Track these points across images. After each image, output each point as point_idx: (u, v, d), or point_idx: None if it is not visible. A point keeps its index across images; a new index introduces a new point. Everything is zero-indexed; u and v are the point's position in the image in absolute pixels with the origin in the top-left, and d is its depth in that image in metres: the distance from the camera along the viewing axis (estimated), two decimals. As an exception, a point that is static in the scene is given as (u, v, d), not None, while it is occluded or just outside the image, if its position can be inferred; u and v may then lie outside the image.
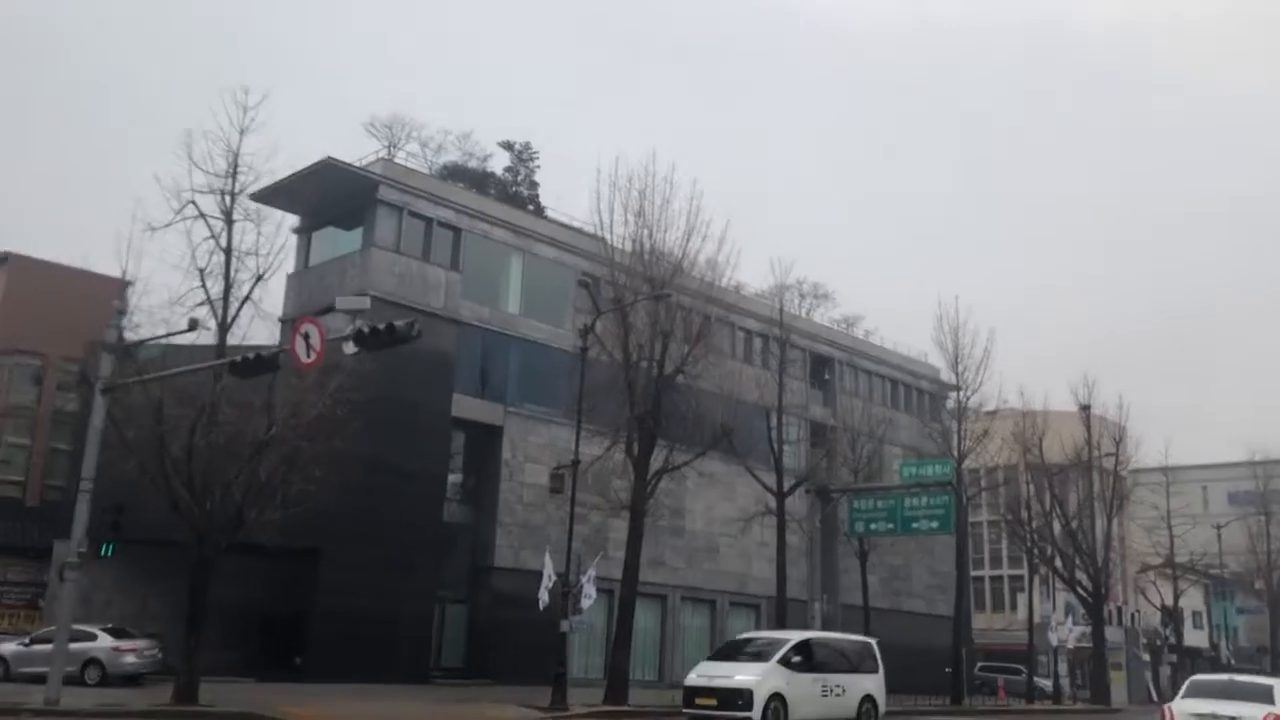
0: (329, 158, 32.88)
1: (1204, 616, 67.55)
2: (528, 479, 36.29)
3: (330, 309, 21.64)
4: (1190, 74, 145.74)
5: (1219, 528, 61.82)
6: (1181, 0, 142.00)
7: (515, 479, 36.28)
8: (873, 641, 25.64)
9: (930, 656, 45.59)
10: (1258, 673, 68.01)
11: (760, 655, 22.06)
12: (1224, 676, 22.74)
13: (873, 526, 35.05)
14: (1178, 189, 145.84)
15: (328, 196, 34.53)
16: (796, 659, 21.67)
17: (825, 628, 39.07)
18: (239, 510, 21.56)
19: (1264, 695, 18.32)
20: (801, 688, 21.37)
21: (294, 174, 32.64)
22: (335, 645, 30.28)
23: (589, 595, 26.51)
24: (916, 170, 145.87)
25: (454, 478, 36.54)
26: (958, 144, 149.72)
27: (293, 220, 34.39)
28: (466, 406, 35.38)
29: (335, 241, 35.88)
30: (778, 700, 20.62)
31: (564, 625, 25.70)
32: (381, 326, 16.61)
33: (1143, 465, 55.54)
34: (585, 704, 25.71)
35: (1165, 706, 19.12)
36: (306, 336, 17.16)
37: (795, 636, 23.18)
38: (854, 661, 23.98)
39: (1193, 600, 64.80)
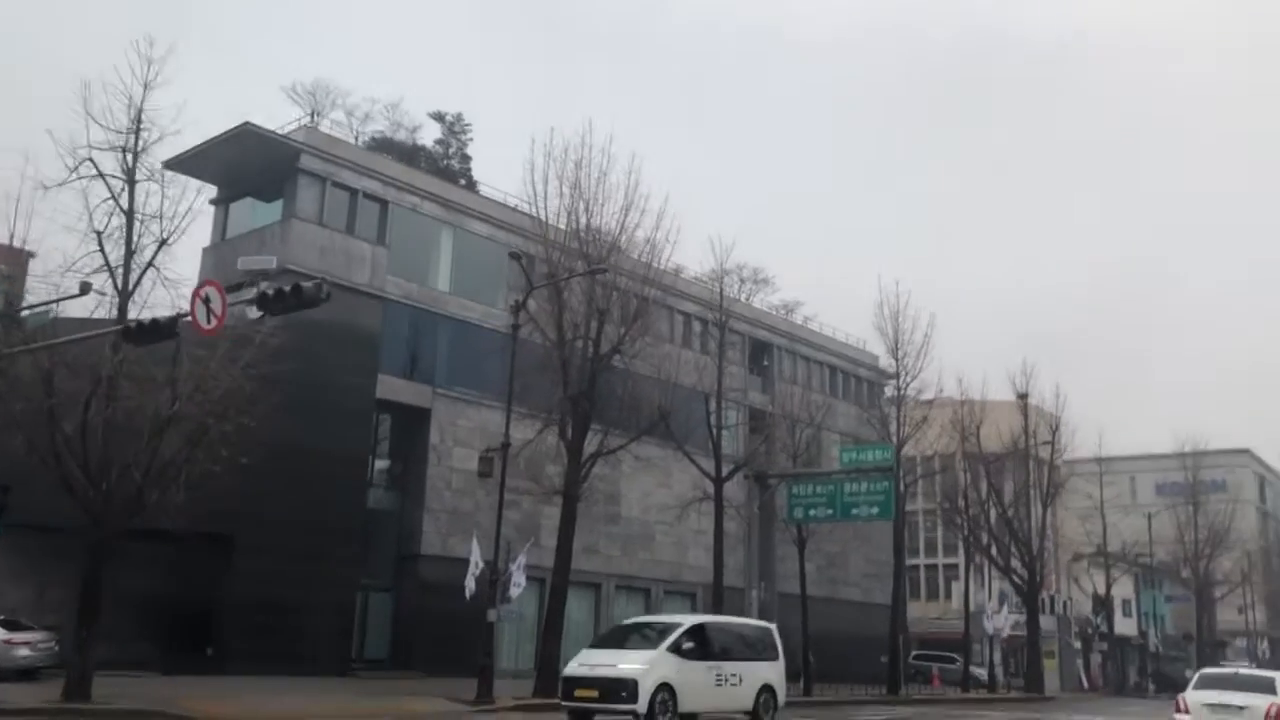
0: (247, 123, 31.17)
1: (1133, 605, 68.23)
2: (457, 464, 34.94)
3: (248, 284, 20.20)
4: (1135, 81, 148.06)
5: (1150, 516, 62.40)
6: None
7: (443, 464, 34.93)
8: (773, 627, 23.76)
9: (866, 645, 45.27)
10: (1184, 660, 69.43)
11: (649, 641, 20.06)
12: (1230, 670, 25.92)
13: (812, 512, 34.24)
14: (1127, 190, 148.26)
15: (246, 165, 32.80)
16: (689, 645, 19.72)
17: (762, 616, 38.35)
18: (139, 491, 20.02)
19: (1267, 687, 20.09)
20: (693, 677, 19.51)
21: (210, 140, 31.09)
22: (250, 636, 28.74)
23: (518, 584, 25.44)
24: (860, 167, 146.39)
25: (379, 462, 35.13)
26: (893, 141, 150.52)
27: (201, 185, 32.51)
28: (392, 387, 33.93)
29: (254, 213, 34.19)
30: (666, 691, 18.69)
31: (491, 615, 24.55)
32: (287, 288, 15.17)
33: (1077, 455, 55.81)
34: (514, 696, 24.70)
35: (1180, 696, 20.86)
36: (207, 301, 15.68)
37: (688, 621, 21.24)
38: (753, 648, 22.05)
39: (1123, 589, 65.40)
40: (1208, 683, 21.30)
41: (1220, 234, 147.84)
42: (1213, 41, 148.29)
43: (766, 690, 21.42)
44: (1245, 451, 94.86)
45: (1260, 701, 19.40)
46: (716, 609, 31.91)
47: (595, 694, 18.79)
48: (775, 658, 22.35)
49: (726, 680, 20.43)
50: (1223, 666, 71.33)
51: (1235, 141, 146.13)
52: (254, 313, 15.80)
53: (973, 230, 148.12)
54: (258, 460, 23.49)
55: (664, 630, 20.37)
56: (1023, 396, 48.83)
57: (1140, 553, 64.28)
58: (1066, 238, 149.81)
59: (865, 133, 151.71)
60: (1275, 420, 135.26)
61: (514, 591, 25.42)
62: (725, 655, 20.85)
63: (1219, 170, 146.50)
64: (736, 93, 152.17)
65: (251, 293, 15.63)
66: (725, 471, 33.24)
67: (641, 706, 18.17)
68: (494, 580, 24.62)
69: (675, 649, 19.45)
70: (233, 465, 20.71)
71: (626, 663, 19.03)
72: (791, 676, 38.38)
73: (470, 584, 24.73)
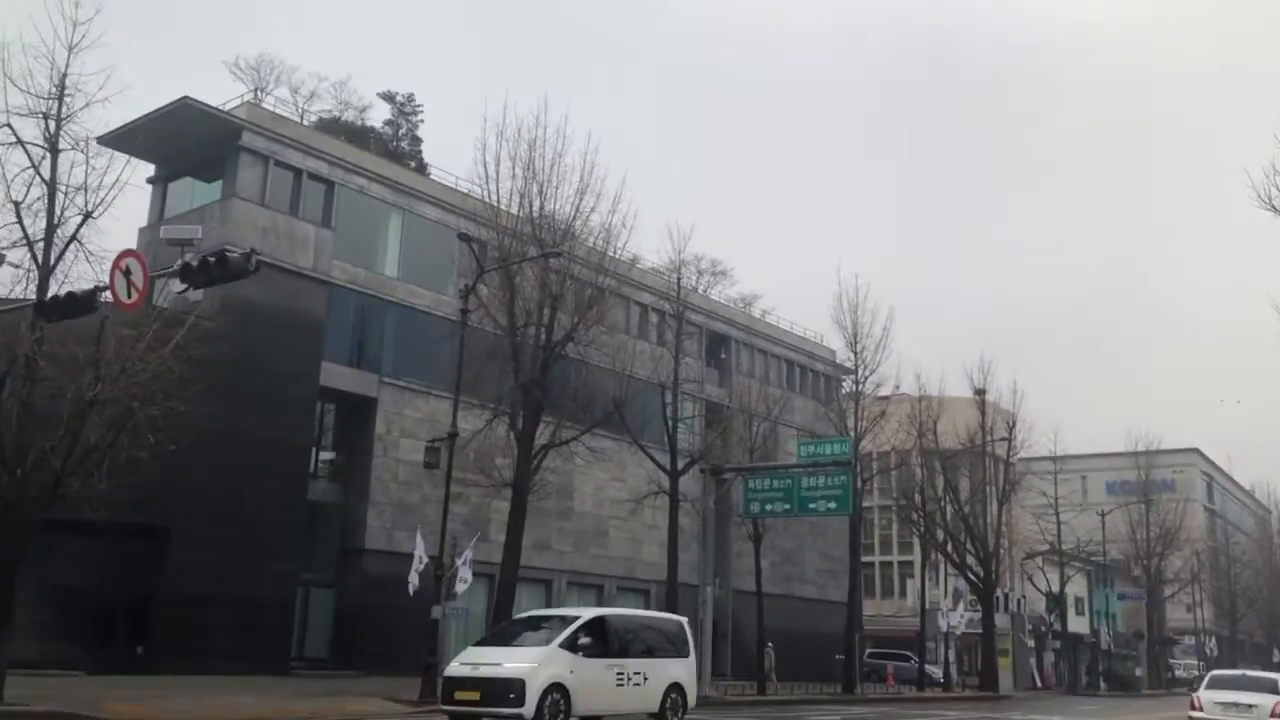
0: (186, 98, 29.84)
1: (1085, 603, 68.45)
2: (403, 455, 33.81)
3: (184, 265, 19.04)
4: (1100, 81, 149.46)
5: (1103, 514, 62.55)
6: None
7: (390, 455, 33.81)
8: (684, 620, 21.85)
9: (821, 643, 44.83)
10: (1134, 658, 69.80)
11: (542, 637, 18.24)
12: (1237, 672, 29.62)
13: (768, 507, 33.45)
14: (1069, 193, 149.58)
15: (185, 143, 31.43)
16: (585, 641, 17.87)
17: (716, 613, 37.66)
18: (57, 479, 18.75)
19: (1271, 687, 22.79)
20: (591, 675, 17.71)
21: (147, 115, 29.64)
22: (184, 633, 27.56)
23: (464, 579, 24.52)
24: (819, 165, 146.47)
25: (322, 453, 33.94)
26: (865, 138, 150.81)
27: (129, 158, 31.13)
28: (337, 376, 32.74)
29: (194, 193, 32.83)
30: (558, 692, 16.91)
31: (436, 611, 23.57)
32: (212, 258, 14.09)
33: (1033, 454, 55.76)
34: (458, 696, 23.61)
35: (1194, 695, 23.51)
36: (128, 273, 14.53)
37: (586, 614, 19.40)
38: (660, 644, 20.28)
39: (1075, 587, 65.53)
40: (1218, 683, 23.93)
41: (1191, 236, 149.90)
42: (1198, 41, 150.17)
43: (675, 689, 19.74)
44: (1194, 451, 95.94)
45: (1266, 700, 21.82)
46: (670, 606, 31.11)
47: (477, 696, 16.93)
48: (686, 654, 20.70)
49: (629, 679, 18.72)
50: (1170, 658, 71.98)
51: (1222, 138, 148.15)
52: (178, 286, 14.64)
53: (953, 229, 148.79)
54: (193, 449, 22.53)
55: (560, 624, 18.60)
56: (980, 392, 48.58)
57: (1093, 551, 64.49)
58: (1046, 239, 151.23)
59: (845, 134, 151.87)
60: (1224, 422, 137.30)
61: (460, 587, 24.53)
62: (628, 651, 19.20)
63: (1202, 168, 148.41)
64: (720, 94, 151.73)
65: (176, 264, 14.45)
66: (681, 465, 32.48)
67: (529, 710, 16.44)
68: (439, 576, 23.63)
69: (570, 645, 17.73)
70: (163, 453, 19.60)
71: (514, 661, 17.31)
72: (746, 676, 37.96)
73: (414, 579, 23.77)
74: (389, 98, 46.38)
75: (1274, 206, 20.30)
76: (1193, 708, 22.71)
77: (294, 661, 30.89)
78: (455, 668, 17.81)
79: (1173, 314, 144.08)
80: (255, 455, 28.77)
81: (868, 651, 52.33)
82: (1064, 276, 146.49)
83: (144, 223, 33.09)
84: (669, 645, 20.46)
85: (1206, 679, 25.00)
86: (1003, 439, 49.04)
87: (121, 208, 22.20)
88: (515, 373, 26.73)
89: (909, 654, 50.69)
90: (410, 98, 46.93)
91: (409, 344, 34.74)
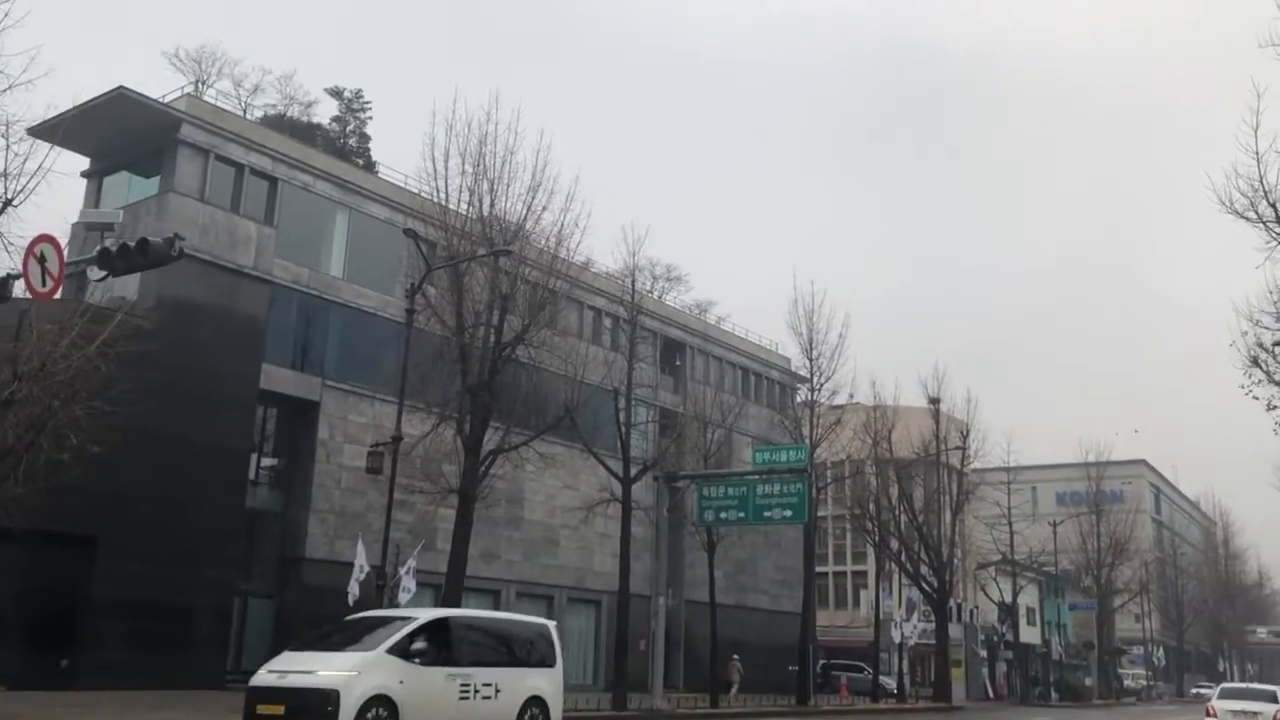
0: (121, 88, 28.72)
1: (1037, 613, 68.68)
2: (347, 461, 32.75)
3: (103, 250, 18.07)
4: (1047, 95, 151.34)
5: (1055, 525, 62.74)
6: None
7: (333, 461, 32.74)
8: (550, 624, 19.39)
9: (775, 654, 44.29)
10: (1084, 668, 70.17)
11: (368, 641, 15.71)
12: (1243, 684, 34.80)
13: (723, 515, 32.81)
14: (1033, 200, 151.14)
15: (122, 136, 30.28)
16: (421, 646, 15.51)
17: (669, 623, 36.97)
18: (-32, 483, 17.72)
19: (1271, 697, 26.61)
20: (426, 687, 15.36)
21: (81, 105, 28.48)
22: (113, 645, 26.22)
23: (408, 589, 23.69)
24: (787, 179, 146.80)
25: (263, 459, 32.75)
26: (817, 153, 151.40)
27: (52, 145, 29.99)
28: (278, 378, 31.63)
29: (130, 188, 31.61)
30: (383, 706, 14.58)
31: (377, 622, 22.54)
32: (132, 243, 13.17)
33: (986, 463, 55.76)
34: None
35: (1208, 704, 27.22)
36: (43, 259, 13.56)
37: (425, 615, 17.07)
38: (519, 651, 18.01)
39: (1027, 597, 65.69)
40: (1228, 694, 27.83)
41: (1158, 243, 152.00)
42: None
43: (535, 704, 17.41)
44: (1141, 462, 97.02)
45: (1268, 709, 25.36)
46: (622, 616, 30.43)
47: (280, 711, 14.50)
48: (551, 663, 18.34)
49: (476, 692, 16.26)
50: (1119, 668, 72.85)
51: (1198, 143, 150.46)
52: (95, 272, 13.70)
53: (910, 242, 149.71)
54: (123, 453, 21.57)
55: (395, 626, 16.09)
56: (935, 401, 48.38)
57: (1045, 562, 64.68)
58: (1010, 246, 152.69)
59: (799, 147, 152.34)
60: (1174, 429, 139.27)
61: (403, 597, 23.72)
62: (477, 660, 16.83)
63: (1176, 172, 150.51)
64: (679, 105, 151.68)
65: (94, 250, 13.52)
66: (634, 472, 31.78)
67: None
68: (381, 585, 22.69)
69: (402, 651, 15.31)
70: (87, 456, 18.70)
71: (329, 668, 14.72)
72: (699, 687, 37.26)
73: (353, 589, 22.89)
74: (336, 93, 45.34)
75: (1235, 210, 20.01)
76: (1207, 715, 26.38)
77: (230, 675, 29.61)
78: (262, 676, 15.22)
79: (1138, 321, 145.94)
80: (191, 460, 27.61)
81: (821, 662, 51.98)
82: (1028, 281, 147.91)
83: (77, 218, 31.84)
84: (530, 653, 18.26)
85: (1218, 690, 29.31)
86: (957, 448, 48.90)
87: (54, 202, 21.21)
88: (463, 376, 25.91)
89: (862, 665, 50.33)
90: (359, 94, 45.91)
91: (354, 346, 33.73)
